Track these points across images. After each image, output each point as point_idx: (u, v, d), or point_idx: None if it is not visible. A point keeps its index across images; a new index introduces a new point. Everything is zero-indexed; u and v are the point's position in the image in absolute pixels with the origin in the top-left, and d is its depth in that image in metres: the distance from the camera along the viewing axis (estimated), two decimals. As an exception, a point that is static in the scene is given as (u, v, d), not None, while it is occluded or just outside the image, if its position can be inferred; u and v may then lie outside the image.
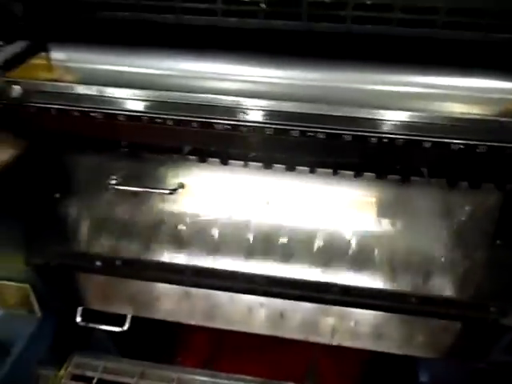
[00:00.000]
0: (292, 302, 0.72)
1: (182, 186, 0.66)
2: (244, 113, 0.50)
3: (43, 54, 0.59)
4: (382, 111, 0.47)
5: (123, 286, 0.79)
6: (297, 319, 0.75)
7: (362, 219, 0.69)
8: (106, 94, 0.50)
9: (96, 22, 0.59)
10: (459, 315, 0.66)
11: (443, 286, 0.66)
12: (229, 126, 0.50)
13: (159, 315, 0.80)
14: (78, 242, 0.74)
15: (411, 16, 0.50)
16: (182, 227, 0.70)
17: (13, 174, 0.66)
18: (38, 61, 0.58)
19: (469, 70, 0.54)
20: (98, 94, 0.50)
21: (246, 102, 0.51)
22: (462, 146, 0.46)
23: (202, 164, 0.65)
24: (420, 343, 0.74)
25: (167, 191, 0.65)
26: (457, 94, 0.54)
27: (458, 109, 0.50)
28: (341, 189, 0.67)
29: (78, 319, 0.87)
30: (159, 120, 0.50)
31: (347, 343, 0.76)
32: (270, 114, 0.50)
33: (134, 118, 0.51)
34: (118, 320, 0.87)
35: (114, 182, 0.66)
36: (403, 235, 0.69)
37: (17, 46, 0.57)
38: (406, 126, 0.47)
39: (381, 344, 0.75)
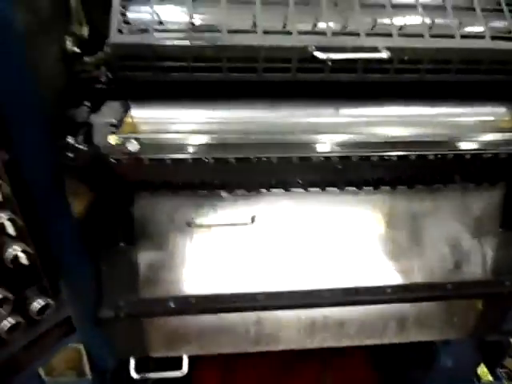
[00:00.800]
0: (351, 308, 0.82)
1: (253, 218, 0.73)
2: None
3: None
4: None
5: (190, 325, 0.81)
6: (355, 325, 0.85)
7: (395, 224, 0.83)
8: (216, 142, 0.58)
9: (163, 82, 0.66)
10: (484, 293, 0.82)
11: (469, 272, 0.83)
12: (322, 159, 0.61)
13: (227, 348, 0.83)
14: (147, 287, 0.75)
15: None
16: (253, 257, 0.76)
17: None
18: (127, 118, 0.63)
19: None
20: (209, 142, 0.57)
21: (321, 139, 0.63)
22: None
23: (268, 196, 0.74)
24: (453, 325, 0.88)
25: (241, 223, 0.72)
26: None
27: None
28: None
29: (133, 373, 0.85)
30: (264, 159, 0.59)
31: (397, 339, 0.88)
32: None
33: (242, 159, 0.59)
34: (173, 364, 0.87)
35: (189, 219, 0.71)
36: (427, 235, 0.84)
37: (112, 107, 0.61)
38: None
39: (424, 333, 0.88)
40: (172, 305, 0.74)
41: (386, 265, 0.82)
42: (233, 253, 0.76)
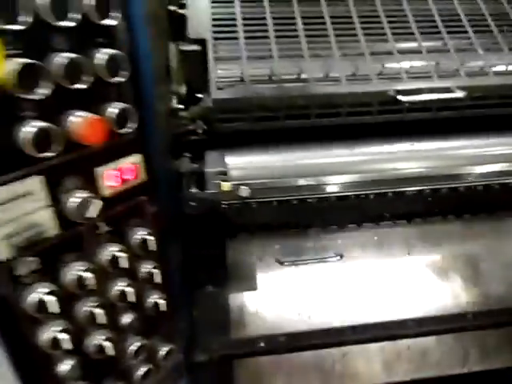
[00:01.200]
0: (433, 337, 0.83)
1: (341, 255, 0.76)
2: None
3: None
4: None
5: (278, 363, 0.81)
6: (437, 354, 0.85)
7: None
8: (320, 183, 0.62)
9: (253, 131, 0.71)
10: None
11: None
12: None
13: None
14: (238, 328, 0.76)
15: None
16: (339, 292, 0.78)
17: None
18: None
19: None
20: (314, 183, 0.62)
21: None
22: None
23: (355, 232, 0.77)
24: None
25: (330, 260, 0.74)
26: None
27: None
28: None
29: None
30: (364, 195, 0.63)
31: (478, 367, 0.88)
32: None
33: (342, 197, 0.63)
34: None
35: (279, 258, 0.74)
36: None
37: (213, 156, 0.66)
38: None
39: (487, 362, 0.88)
40: (263, 344, 0.75)
41: (462, 292, 0.84)
42: (319, 289, 0.78)
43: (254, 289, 0.75)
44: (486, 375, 0.97)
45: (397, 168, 0.68)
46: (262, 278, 0.76)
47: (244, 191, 0.59)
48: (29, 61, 0.36)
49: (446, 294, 0.81)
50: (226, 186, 0.59)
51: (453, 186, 0.67)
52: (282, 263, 0.74)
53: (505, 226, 0.85)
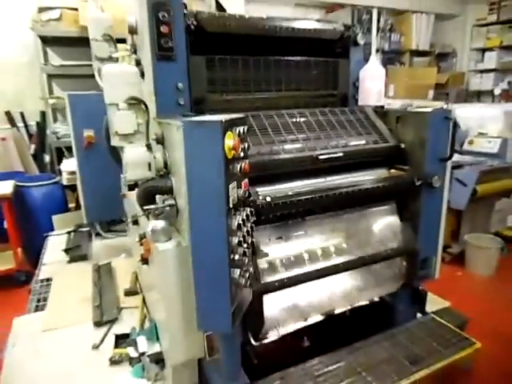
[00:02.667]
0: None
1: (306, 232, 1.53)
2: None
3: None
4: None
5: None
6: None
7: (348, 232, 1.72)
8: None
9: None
10: (403, 253, 1.74)
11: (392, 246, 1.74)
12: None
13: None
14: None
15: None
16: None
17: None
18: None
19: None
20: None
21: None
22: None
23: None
24: (391, 282, 1.75)
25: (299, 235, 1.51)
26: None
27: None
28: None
29: None
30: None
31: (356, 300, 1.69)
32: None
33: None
34: None
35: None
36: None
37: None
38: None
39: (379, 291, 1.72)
40: (276, 284, 1.43)
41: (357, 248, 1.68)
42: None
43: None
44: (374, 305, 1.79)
45: (320, 185, 1.52)
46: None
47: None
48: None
49: (346, 249, 1.64)
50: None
51: (342, 191, 1.53)
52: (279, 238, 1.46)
53: (366, 212, 1.75)
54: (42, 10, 4.63)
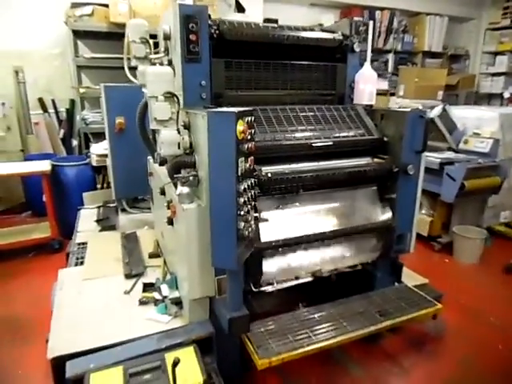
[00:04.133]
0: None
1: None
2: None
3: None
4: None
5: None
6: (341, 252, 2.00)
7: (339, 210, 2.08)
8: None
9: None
10: (382, 228, 2.10)
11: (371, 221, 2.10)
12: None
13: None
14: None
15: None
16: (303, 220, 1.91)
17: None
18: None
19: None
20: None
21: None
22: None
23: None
24: (371, 251, 2.11)
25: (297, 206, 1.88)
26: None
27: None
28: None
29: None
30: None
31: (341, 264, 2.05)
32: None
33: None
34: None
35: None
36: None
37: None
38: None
39: (361, 257, 2.08)
40: (274, 244, 1.81)
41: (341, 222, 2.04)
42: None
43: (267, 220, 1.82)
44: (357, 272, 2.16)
45: (312, 167, 1.89)
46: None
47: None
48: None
49: (333, 221, 2.01)
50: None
51: (330, 172, 1.89)
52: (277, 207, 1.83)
53: (351, 193, 2.11)
54: (74, 5, 5.06)
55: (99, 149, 4.03)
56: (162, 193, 2.07)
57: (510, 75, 7.67)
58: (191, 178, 1.63)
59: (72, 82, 5.46)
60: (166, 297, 1.98)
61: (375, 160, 2.10)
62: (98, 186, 4.45)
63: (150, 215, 3.35)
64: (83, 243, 2.83)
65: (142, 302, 2.01)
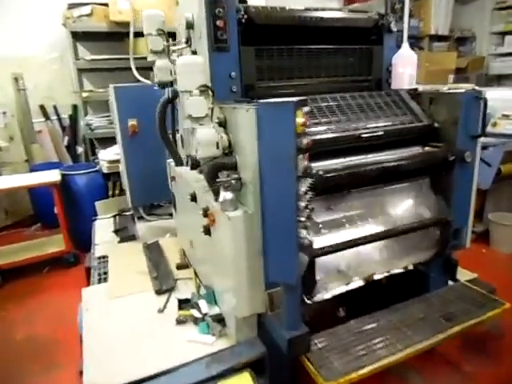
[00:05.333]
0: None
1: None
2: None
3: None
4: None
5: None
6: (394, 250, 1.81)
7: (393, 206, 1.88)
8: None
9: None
10: (437, 223, 1.90)
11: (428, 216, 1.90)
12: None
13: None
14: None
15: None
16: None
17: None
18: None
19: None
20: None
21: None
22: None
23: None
24: (427, 250, 1.91)
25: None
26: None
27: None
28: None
29: None
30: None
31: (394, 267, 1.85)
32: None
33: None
34: None
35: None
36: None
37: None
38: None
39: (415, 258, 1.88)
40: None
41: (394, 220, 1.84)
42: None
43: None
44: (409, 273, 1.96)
45: (362, 161, 1.69)
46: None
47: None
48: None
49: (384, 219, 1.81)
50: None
51: (383, 166, 1.69)
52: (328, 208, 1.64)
53: (403, 186, 1.91)
54: (72, 6, 4.84)
55: (109, 154, 3.83)
56: (193, 199, 1.87)
57: (522, 55, 7.42)
58: (233, 181, 1.43)
59: (73, 86, 5.25)
60: (206, 314, 1.79)
61: (426, 149, 1.90)
62: (109, 193, 4.27)
63: (170, 222, 3.15)
64: (103, 257, 2.63)
65: (180, 322, 1.81)
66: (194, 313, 1.83)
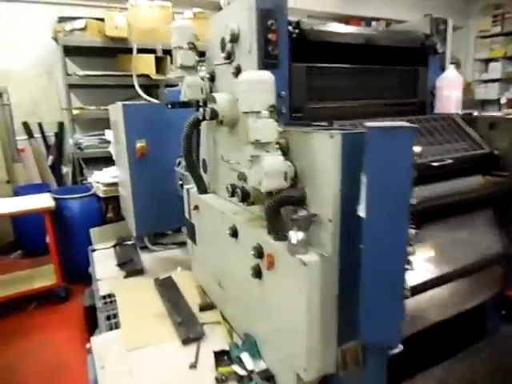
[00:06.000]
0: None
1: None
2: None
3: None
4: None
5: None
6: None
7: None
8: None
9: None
10: (502, 260, 1.72)
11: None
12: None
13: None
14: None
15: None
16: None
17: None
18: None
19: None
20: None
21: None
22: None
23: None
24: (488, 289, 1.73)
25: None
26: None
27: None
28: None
29: None
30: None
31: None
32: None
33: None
34: None
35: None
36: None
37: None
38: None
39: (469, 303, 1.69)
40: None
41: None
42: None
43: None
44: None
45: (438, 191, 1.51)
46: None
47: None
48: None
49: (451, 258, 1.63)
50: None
51: (454, 199, 1.52)
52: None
53: (472, 218, 1.74)
54: (62, 19, 4.58)
55: (105, 177, 3.52)
56: (234, 234, 1.62)
57: (504, 81, 7.70)
58: (306, 219, 1.20)
59: (61, 102, 4.93)
60: (252, 371, 1.51)
61: (488, 178, 1.74)
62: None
63: (177, 252, 2.88)
64: (109, 295, 2.31)
65: (220, 381, 1.53)
66: (237, 369, 1.55)
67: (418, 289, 1.47)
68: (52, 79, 5.00)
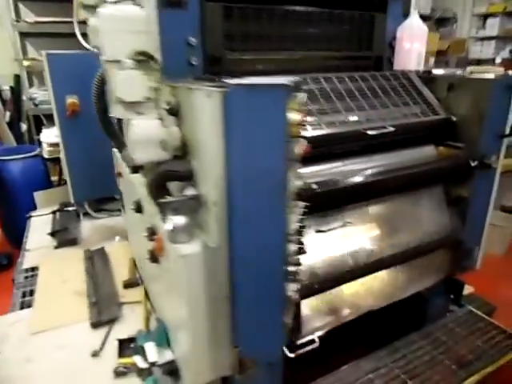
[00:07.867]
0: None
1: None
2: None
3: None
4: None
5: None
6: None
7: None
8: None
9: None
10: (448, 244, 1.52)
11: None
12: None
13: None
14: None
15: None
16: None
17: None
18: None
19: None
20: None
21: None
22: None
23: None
24: (432, 273, 1.54)
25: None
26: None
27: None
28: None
29: None
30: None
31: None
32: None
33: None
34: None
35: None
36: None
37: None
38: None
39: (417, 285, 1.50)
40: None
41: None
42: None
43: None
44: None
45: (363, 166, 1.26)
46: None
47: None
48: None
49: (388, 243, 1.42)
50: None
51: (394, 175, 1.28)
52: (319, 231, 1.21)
53: (417, 196, 1.51)
54: (11, -43, 4.06)
55: (50, 136, 3.22)
56: (138, 210, 1.39)
57: (502, 39, 7.19)
58: (188, 200, 0.96)
59: (14, 52, 4.49)
60: (154, 363, 1.34)
61: (441, 149, 1.49)
62: (55, 178, 3.65)
63: (121, 220, 2.66)
64: (33, 268, 2.11)
65: (119, 373, 1.37)
66: (138, 361, 1.38)
67: (349, 276, 1.27)
68: (4, 26, 4.53)
